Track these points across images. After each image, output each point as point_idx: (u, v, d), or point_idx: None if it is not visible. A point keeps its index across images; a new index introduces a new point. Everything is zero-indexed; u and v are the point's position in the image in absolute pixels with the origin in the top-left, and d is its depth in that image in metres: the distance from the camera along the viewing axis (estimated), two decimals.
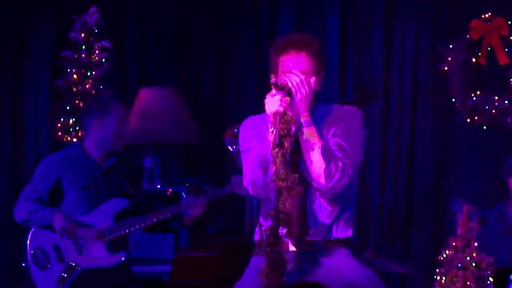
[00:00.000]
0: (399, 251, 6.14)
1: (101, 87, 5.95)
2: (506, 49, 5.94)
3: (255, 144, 3.38)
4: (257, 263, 3.29)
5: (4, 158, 6.62)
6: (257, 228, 3.50)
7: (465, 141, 6.12)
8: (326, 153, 3.28)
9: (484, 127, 6.00)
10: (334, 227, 3.40)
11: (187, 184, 5.47)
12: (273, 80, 3.27)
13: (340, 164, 3.29)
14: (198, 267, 4.86)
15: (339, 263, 3.37)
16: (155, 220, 4.45)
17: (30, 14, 6.65)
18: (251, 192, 3.39)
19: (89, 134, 4.56)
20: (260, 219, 3.44)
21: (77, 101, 5.90)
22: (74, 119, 5.89)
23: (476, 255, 4.88)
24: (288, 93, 3.24)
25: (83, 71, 5.94)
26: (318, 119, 3.36)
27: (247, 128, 3.49)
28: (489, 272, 4.79)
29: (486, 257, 4.86)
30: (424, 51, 6.18)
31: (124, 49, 6.61)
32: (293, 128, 3.23)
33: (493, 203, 5.54)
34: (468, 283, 4.72)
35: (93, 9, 5.97)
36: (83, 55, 5.95)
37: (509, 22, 5.95)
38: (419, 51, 6.19)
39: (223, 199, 4.51)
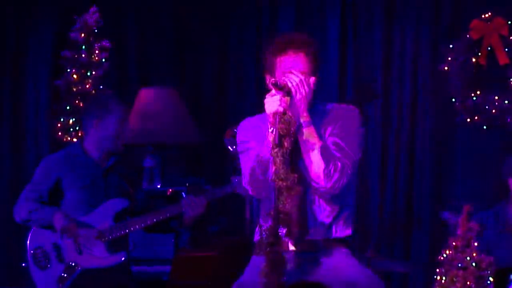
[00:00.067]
0: (399, 251, 6.14)
1: (101, 87, 5.94)
2: (506, 49, 5.94)
3: (254, 145, 3.39)
4: (257, 262, 3.29)
5: (4, 158, 6.62)
6: (257, 228, 3.50)
7: (465, 141, 6.12)
8: (325, 153, 3.29)
9: (484, 127, 6.00)
10: (334, 226, 3.41)
11: (187, 184, 5.47)
12: (273, 80, 3.27)
13: (339, 164, 3.29)
14: (198, 267, 4.86)
15: (339, 263, 3.37)
16: (155, 220, 4.45)
17: (30, 14, 6.65)
18: (250, 192, 3.39)
19: (89, 134, 4.56)
20: (260, 219, 3.45)
21: (77, 101, 5.90)
22: (74, 119, 5.89)
23: (476, 255, 4.87)
24: (288, 93, 3.24)
25: (83, 71, 5.94)
26: (316, 119, 3.36)
27: (245, 129, 3.50)
28: (489, 272, 4.79)
29: (486, 257, 4.85)
30: (424, 51, 6.18)
31: (124, 49, 6.61)
32: (293, 128, 3.23)
33: (493, 203, 5.54)
34: (468, 283, 4.71)
35: (93, 9, 5.97)
36: (83, 55, 5.94)
37: (509, 22, 5.95)
38: (419, 51, 6.19)
39: (223, 199, 4.51)
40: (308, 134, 3.29)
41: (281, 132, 3.14)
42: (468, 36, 5.99)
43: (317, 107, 3.43)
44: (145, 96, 6.01)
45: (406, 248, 6.16)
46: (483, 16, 5.98)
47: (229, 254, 4.88)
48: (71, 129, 5.90)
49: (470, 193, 5.90)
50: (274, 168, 3.13)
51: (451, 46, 6.01)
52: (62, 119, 5.92)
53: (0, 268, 6.52)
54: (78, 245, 4.40)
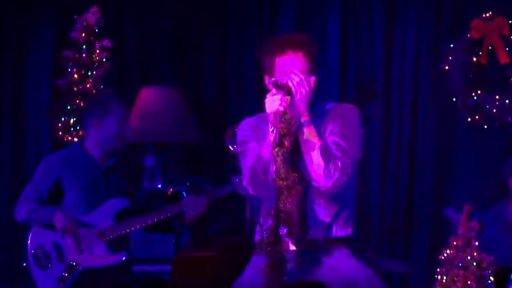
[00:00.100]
0: (400, 251, 6.14)
1: (102, 86, 5.94)
2: (507, 49, 5.94)
3: (254, 144, 3.39)
4: (258, 262, 3.29)
5: (5, 158, 6.62)
6: (257, 228, 3.50)
7: (466, 140, 6.12)
8: (326, 153, 3.29)
9: (485, 127, 6.00)
10: (334, 226, 3.41)
11: (188, 184, 5.47)
12: (273, 79, 3.27)
13: (340, 163, 3.29)
14: (198, 267, 4.86)
15: (340, 263, 3.37)
16: (155, 219, 4.45)
17: (31, 14, 6.65)
18: (251, 192, 3.40)
19: (90, 134, 4.56)
20: (261, 218, 3.45)
21: (77, 101, 5.90)
22: (74, 119, 5.88)
23: (477, 254, 4.87)
24: (288, 92, 3.25)
25: (83, 71, 5.93)
26: (316, 118, 3.36)
27: (245, 129, 3.50)
28: (489, 271, 4.79)
29: (487, 257, 4.85)
30: (425, 50, 6.18)
31: (125, 49, 6.61)
32: (293, 128, 3.23)
33: (493, 203, 5.54)
34: (469, 282, 4.71)
35: (93, 9, 5.97)
36: (83, 55, 5.94)
37: (510, 22, 5.95)
38: (419, 50, 6.19)
39: (223, 199, 4.51)
40: (308, 133, 3.29)
41: (281, 132, 3.14)
42: (468, 35, 5.99)
43: (317, 107, 3.43)
44: (146, 95, 6.01)
45: (406, 247, 6.16)
46: (483, 15, 5.97)
47: (230, 254, 4.88)
48: (72, 129, 5.90)
49: (470, 193, 5.90)
50: (274, 167, 3.12)
51: (451, 45, 6.01)
52: (62, 119, 5.92)
53: (0, 268, 6.52)
54: (78, 244, 4.40)
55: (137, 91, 6.08)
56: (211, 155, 6.39)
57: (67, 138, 5.87)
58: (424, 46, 6.18)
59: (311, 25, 6.34)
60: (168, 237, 5.27)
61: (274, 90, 3.24)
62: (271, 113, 3.20)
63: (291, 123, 3.19)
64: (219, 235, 5.56)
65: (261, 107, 3.29)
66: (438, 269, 5.03)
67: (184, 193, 5.33)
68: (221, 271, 4.74)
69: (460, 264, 4.76)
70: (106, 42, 5.98)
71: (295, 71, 3.31)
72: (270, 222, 3.15)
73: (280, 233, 3.10)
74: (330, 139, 3.37)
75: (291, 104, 3.24)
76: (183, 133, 5.99)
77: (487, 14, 5.96)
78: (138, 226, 4.45)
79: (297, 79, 3.27)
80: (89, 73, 5.93)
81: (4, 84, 6.65)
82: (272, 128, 3.18)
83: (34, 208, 4.42)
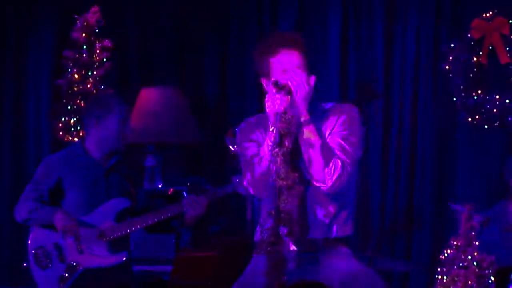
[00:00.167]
0: (400, 250, 6.14)
1: (102, 86, 5.94)
2: (508, 48, 5.94)
3: (254, 144, 3.39)
4: (258, 262, 3.29)
5: (5, 158, 6.62)
6: (258, 228, 3.50)
7: (466, 140, 6.12)
8: (326, 152, 3.29)
9: (486, 126, 5.99)
10: (334, 226, 3.41)
11: (188, 184, 5.48)
12: (273, 79, 3.28)
13: (340, 162, 3.30)
14: (199, 267, 4.86)
15: (340, 263, 3.37)
16: (156, 219, 4.45)
17: (31, 14, 6.66)
18: (251, 192, 3.40)
19: (90, 134, 4.55)
20: (261, 218, 3.45)
21: (78, 101, 5.90)
22: (75, 119, 5.88)
23: (477, 254, 4.87)
24: (288, 92, 3.25)
25: (84, 70, 5.94)
26: (316, 118, 3.36)
27: (245, 130, 3.50)
28: (490, 271, 4.79)
29: (488, 256, 4.85)
30: (425, 50, 6.18)
31: (125, 49, 6.61)
32: (293, 128, 3.23)
33: (494, 202, 5.54)
34: (469, 282, 4.71)
35: (94, 8, 5.98)
36: (84, 55, 5.95)
37: (511, 21, 5.94)
38: (420, 50, 6.19)
39: (224, 198, 4.51)
40: (308, 133, 3.29)
41: (281, 132, 3.14)
42: (469, 35, 5.99)
43: (317, 107, 3.44)
44: (146, 95, 6.02)
45: (407, 247, 6.16)
46: (484, 15, 5.97)
47: (230, 254, 4.88)
48: (72, 129, 5.90)
49: (470, 193, 5.90)
50: (274, 167, 3.12)
51: (452, 45, 6.00)
52: (63, 119, 5.92)
53: (1, 268, 6.52)
54: (79, 245, 4.40)
55: (137, 91, 6.08)
56: (212, 155, 6.39)
57: (68, 138, 5.87)
58: (425, 46, 6.18)
59: (311, 25, 6.34)
60: (169, 237, 5.27)
61: (274, 90, 3.24)
62: (271, 113, 3.20)
63: (291, 123, 3.19)
64: (219, 235, 5.57)
65: (261, 107, 3.30)
66: (438, 269, 5.03)
67: (184, 193, 5.34)
68: (221, 271, 4.74)
69: (460, 264, 4.75)
70: (107, 42, 5.98)
71: (295, 70, 3.31)
72: (270, 222, 3.15)
73: (280, 233, 3.10)
74: (331, 138, 3.37)
75: (291, 104, 3.24)
76: (184, 133, 5.99)
77: (488, 14, 5.96)
78: (138, 226, 4.45)
79: (297, 78, 3.27)
80: (90, 73, 5.94)
81: (4, 84, 6.65)
82: (272, 128, 3.19)
83: (34, 208, 4.42)
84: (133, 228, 4.46)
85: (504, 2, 5.98)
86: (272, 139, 3.16)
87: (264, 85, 3.41)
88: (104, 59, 5.98)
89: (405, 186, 6.17)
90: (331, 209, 3.40)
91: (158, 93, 6.02)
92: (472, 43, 5.99)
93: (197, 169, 6.41)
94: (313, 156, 3.29)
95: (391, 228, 6.17)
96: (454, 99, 6.03)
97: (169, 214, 4.45)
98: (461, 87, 5.98)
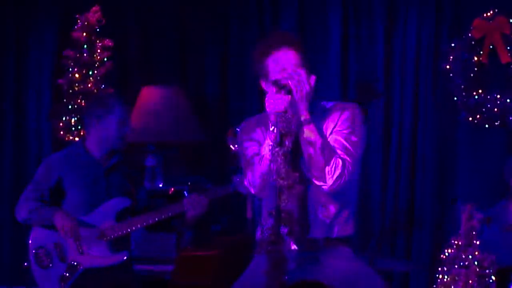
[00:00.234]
0: (401, 250, 6.14)
1: (103, 86, 5.95)
2: (508, 48, 5.94)
3: (255, 144, 3.39)
4: (259, 261, 3.30)
5: (7, 157, 6.62)
6: (258, 227, 3.51)
7: (466, 140, 6.12)
8: (326, 151, 3.29)
9: (486, 126, 5.99)
10: (335, 225, 3.41)
11: (189, 183, 5.48)
12: (273, 79, 3.28)
13: (340, 161, 3.30)
14: (200, 266, 4.87)
15: (341, 262, 3.37)
16: (157, 219, 4.45)
17: (31, 14, 6.65)
18: (252, 192, 3.40)
19: (91, 134, 4.55)
20: (262, 218, 3.45)
21: (79, 100, 5.91)
22: (76, 118, 5.89)
23: (478, 253, 4.87)
24: (289, 91, 3.25)
25: (85, 70, 5.94)
26: (317, 117, 3.36)
27: (246, 129, 3.50)
28: (491, 270, 4.79)
29: (488, 256, 4.85)
30: (426, 50, 6.18)
31: (126, 48, 6.61)
32: (294, 127, 3.23)
33: (495, 202, 5.54)
34: (470, 281, 4.71)
35: (95, 8, 5.98)
36: (85, 54, 5.95)
37: (511, 21, 5.94)
38: (420, 50, 6.19)
39: (225, 198, 4.51)
40: (309, 132, 3.29)
41: (282, 131, 3.15)
42: (470, 34, 5.98)
43: (318, 106, 3.44)
44: (147, 95, 6.02)
45: (407, 247, 6.16)
46: (485, 15, 5.97)
47: (231, 253, 4.88)
48: (73, 128, 5.90)
49: (471, 192, 5.90)
50: (275, 167, 3.13)
51: (452, 45, 6.00)
52: (64, 118, 5.92)
53: (2, 268, 6.52)
54: (79, 244, 4.40)
55: (138, 91, 6.08)
56: (212, 154, 6.39)
57: (69, 137, 5.87)
58: (425, 45, 6.18)
59: (312, 25, 6.33)
60: (169, 236, 5.27)
61: (274, 90, 3.24)
62: (271, 112, 3.20)
63: (292, 122, 3.19)
64: (220, 234, 5.57)
65: (262, 107, 3.30)
66: (439, 268, 5.04)
67: (185, 192, 5.34)
68: (222, 270, 4.75)
69: (461, 263, 4.75)
70: (107, 42, 5.98)
71: (295, 69, 3.31)
72: (271, 221, 3.15)
73: (281, 232, 3.10)
74: (331, 137, 3.37)
75: (292, 103, 3.24)
76: (185, 132, 5.99)
77: (488, 14, 5.96)
78: (139, 226, 4.45)
79: (297, 78, 3.27)
80: (90, 73, 5.94)
81: (5, 84, 6.65)
82: (273, 127, 3.19)
83: (34, 208, 4.42)
84: (134, 228, 4.46)
85: (505, 1, 5.98)
86: (273, 138, 3.16)
87: (264, 87, 3.42)
88: (105, 59, 5.99)
89: (405, 186, 6.17)
90: (332, 208, 3.40)
91: (159, 93, 6.02)
92: (473, 42, 5.99)
93: (198, 169, 6.41)
94: (314, 155, 3.29)
95: (391, 228, 6.17)
96: (455, 98, 6.02)
97: (170, 214, 4.45)
98: (462, 86, 5.98)
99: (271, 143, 3.17)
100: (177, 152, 6.37)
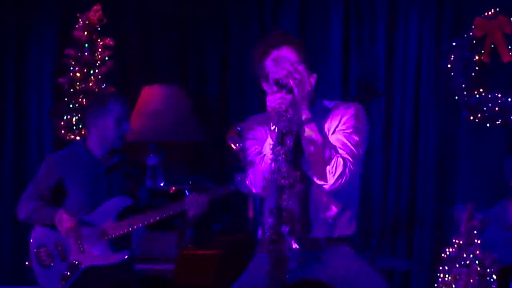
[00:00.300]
0: (402, 249, 6.14)
1: (104, 85, 5.95)
2: (510, 47, 5.94)
3: (257, 143, 3.39)
4: (260, 261, 3.29)
5: (8, 157, 6.63)
6: (259, 226, 3.50)
7: (468, 139, 6.12)
8: (327, 150, 3.29)
9: (487, 125, 5.99)
10: (336, 224, 3.40)
11: (190, 182, 5.47)
12: (274, 78, 3.28)
13: (342, 161, 3.29)
14: (201, 265, 4.87)
15: (342, 261, 3.37)
16: (158, 218, 4.44)
17: (31, 13, 6.66)
18: (253, 191, 3.40)
19: (91, 133, 4.55)
20: (263, 217, 3.45)
21: (80, 99, 5.91)
22: (77, 117, 5.89)
23: (479, 252, 4.88)
24: (290, 91, 3.24)
25: (86, 69, 5.94)
26: (319, 116, 3.36)
27: (249, 128, 3.50)
28: (492, 269, 4.79)
29: (490, 255, 4.85)
30: (427, 49, 6.18)
31: (127, 47, 6.61)
32: (295, 126, 3.23)
33: (495, 202, 5.54)
34: (471, 280, 4.71)
35: (96, 7, 5.98)
36: (86, 53, 5.95)
37: None
38: (421, 49, 6.19)
39: (226, 197, 4.51)
40: (310, 131, 3.29)
41: (283, 130, 3.15)
42: (471, 34, 5.99)
43: (319, 105, 3.44)
44: (148, 94, 6.02)
45: (408, 246, 6.16)
46: (486, 14, 5.97)
47: (232, 253, 4.88)
48: (74, 127, 5.90)
49: (472, 192, 5.90)
50: (276, 166, 3.13)
51: (453, 44, 6.00)
52: (65, 117, 5.93)
53: (3, 267, 6.53)
54: (81, 243, 4.40)
55: (139, 90, 6.08)
56: (213, 153, 6.39)
57: (70, 136, 5.88)
58: (426, 44, 6.18)
59: (313, 25, 6.34)
60: (171, 235, 5.27)
61: (275, 89, 3.24)
62: (272, 112, 3.20)
63: (293, 121, 3.19)
64: (221, 233, 5.57)
65: (263, 106, 3.30)
66: (440, 268, 5.04)
67: (186, 191, 5.34)
68: (223, 269, 4.75)
69: (462, 262, 4.76)
70: (109, 41, 5.99)
71: (296, 69, 3.31)
72: (272, 220, 3.15)
73: (282, 231, 3.10)
74: (333, 136, 3.37)
75: (293, 102, 3.24)
76: (186, 132, 5.99)
77: (490, 13, 5.96)
78: (140, 225, 4.44)
79: (298, 77, 3.27)
80: (92, 72, 5.94)
81: (7, 83, 6.66)
82: (274, 126, 3.19)
83: (35, 208, 4.42)
84: (135, 227, 4.45)
85: (506, 0, 5.98)
86: (274, 137, 3.16)
87: (264, 87, 3.42)
88: (106, 58, 5.99)
89: (406, 185, 6.17)
90: (334, 208, 3.40)
91: (160, 92, 6.02)
92: (474, 41, 5.99)
93: (199, 168, 6.41)
94: (315, 154, 3.28)
95: (392, 227, 6.18)
96: (456, 97, 6.02)
97: (171, 213, 4.44)
98: (463, 85, 5.98)
99: (272, 142, 3.16)
100: (178, 151, 6.37)
